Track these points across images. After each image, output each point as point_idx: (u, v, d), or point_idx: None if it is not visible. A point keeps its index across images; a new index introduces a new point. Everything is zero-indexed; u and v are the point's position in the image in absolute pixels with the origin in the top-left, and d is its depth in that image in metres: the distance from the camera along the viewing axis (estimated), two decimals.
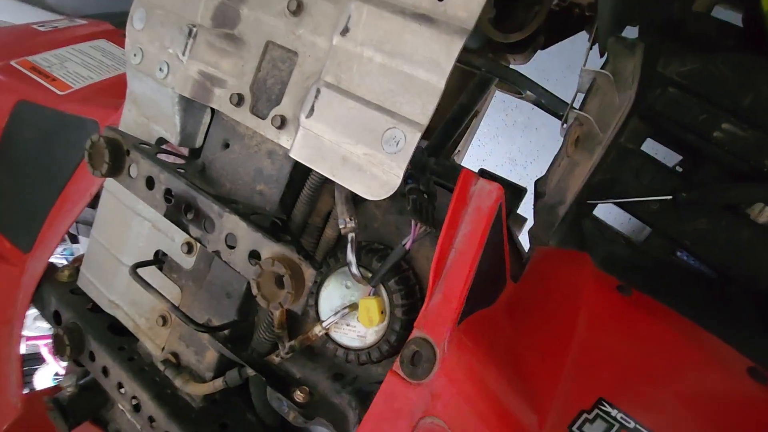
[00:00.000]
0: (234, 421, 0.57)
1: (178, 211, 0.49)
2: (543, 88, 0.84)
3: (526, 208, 0.96)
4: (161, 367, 0.57)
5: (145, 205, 0.60)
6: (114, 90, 0.75)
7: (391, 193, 0.39)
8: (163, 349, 0.59)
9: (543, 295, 0.54)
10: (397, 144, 0.38)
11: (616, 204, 0.76)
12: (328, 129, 0.42)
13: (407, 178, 0.52)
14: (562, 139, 0.63)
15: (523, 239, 0.79)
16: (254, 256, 0.44)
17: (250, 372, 0.54)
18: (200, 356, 0.57)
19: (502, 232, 0.47)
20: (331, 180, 0.53)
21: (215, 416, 0.57)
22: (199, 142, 0.57)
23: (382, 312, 0.47)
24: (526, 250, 0.69)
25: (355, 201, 0.50)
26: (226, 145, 0.54)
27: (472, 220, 0.43)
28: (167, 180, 0.50)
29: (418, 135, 0.38)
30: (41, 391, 0.67)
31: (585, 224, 0.73)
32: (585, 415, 0.39)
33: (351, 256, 0.47)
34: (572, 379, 0.42)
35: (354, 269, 0.47)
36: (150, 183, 0.51)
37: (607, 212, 0.86)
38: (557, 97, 0.84)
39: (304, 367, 0.55)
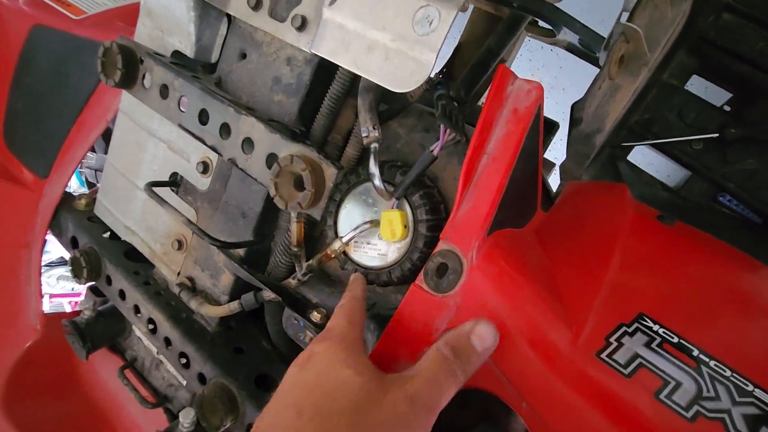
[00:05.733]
0: (249, 346, 0.56)
1: (193, 118, 0.47)
2: (581, 23, 0.78)
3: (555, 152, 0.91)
4: (176, 291, 0.56)
5: (161, 125, 0.58)
6: (129, 16, 0.73)
7: (421, 82, 0.36)
8: (178, 274, 0.58)
9: (577, 223, 0.50)
10: (431, 24, 0.34)
11: (655, 146, 0.71)
12: (352, 15, 0.38)
13: (437, 84, 0.48)
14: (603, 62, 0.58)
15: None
16: (272, 159, 0.42)
17: (266, 295, 0.53)
18: (216, 280, 0.56)
19: (538, 140, 0.44)
20: (353, 94, 0.50)
21: (230, 340, 0.56)
22: (215, 57, 0.54)
23: (405, 226, 0.44)
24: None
25: (379, 114, 0.47)
26: (243, 56, 0.51)
27: (508, 122, 0.40)
28: (182, 87, 0.47)
29: (455, 12, 0.34)
30: (60, 314, 0.67)
31: (620, 166, 0.68)
32: (624, 328, 0.36)
33: (374, 168, 0.44)
34: (610, 296, 0.38)
35: (377, 181, 0.44)
36: (164, 91, 0.49)
37: (640, 161, 0.81)
38: (596, 33, 0.78)
39: (321, 292, 0.53)
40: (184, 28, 0.53)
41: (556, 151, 0.95)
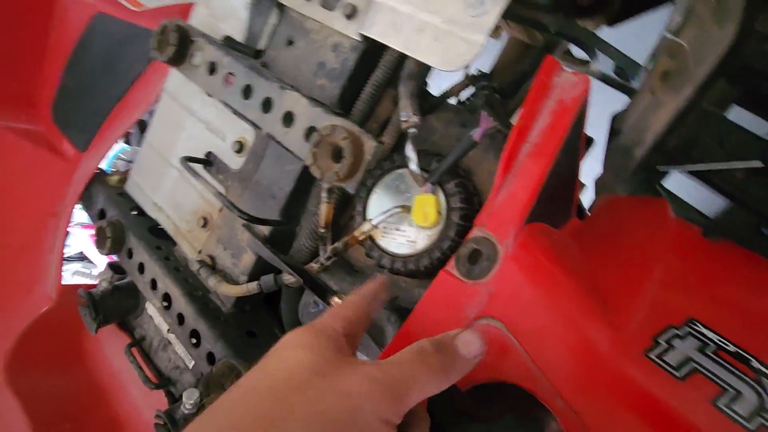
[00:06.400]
0: (261, 332, 0.54)
1: (237, 94, 0.48)
2: (616, 49, 0.79)
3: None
4: (196, 267, 0.56)
5: (202, 106, 0.60)
6: (185, 14, 0.77)
7: (469, 61, 0.36)
8: (200, 252, 0.58)
9: (616, 231, 0.48)
10: (483, 4, 0.35)
11: (694, 173, 0.69)
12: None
13: (480, 76, 0.48)
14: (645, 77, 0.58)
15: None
16: (311, 133, 0.42)
17: (286, 279, 0.51)
18: (236, 259, 0.55)
19: (580, 136, 0.43)
20: (393, 86, 0.51)
21: (243, 324, 0.54)
22: (263, 44, 0.56)
23: (438, 213, 0.43)
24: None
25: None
26: (290, 43, 0.53)
27: (553, 113, 0.39)
28: (229, 64, 0.49)
29: None
30: (77, 285, 0.67)
31: (658, 187, 0.66)
32: (674, 330, 0.33)
33: (411, 152, 0.44)
34: (656, 299, 0.36)
35: (413, 165, 0.44)
36: (212, 68, 0.51)
37: (677, 192, 0.79)
38: (632, 59, 0.78)
39: (342, 280, 0.51)
40: (237, 15, 0.56)
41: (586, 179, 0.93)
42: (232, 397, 0.26)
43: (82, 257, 2.33)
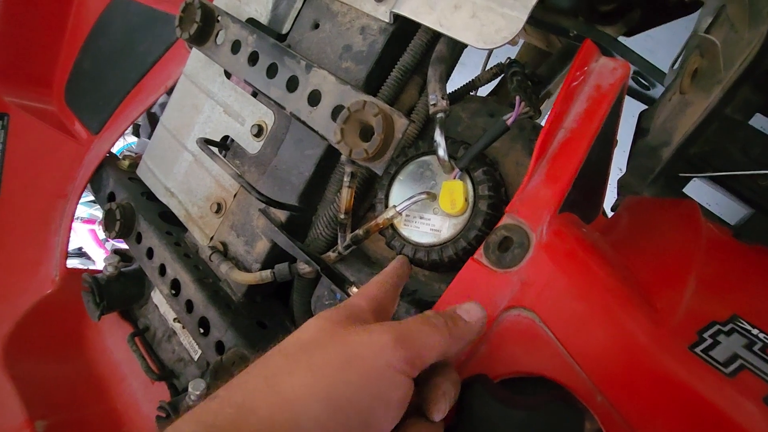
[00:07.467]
0: (272, 323, 0.52)
1: (261, 72, 0.47)
2: (638, 54, 0.78)
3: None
4: (208, 252, 0.54)
5: (221, 88, 0.59)
6: None
7: (509, 39, 0.35)
8: (212, 238, 0.56)
9: (646, 230, 0.47)
10: None
11: (716, 181, 0.68)
12: None
13: (511, 62, 0.47)
14: (672, 77, 0.57)
15: None
16: (338, 111, 0.41)
17: (301, 268, 0.49)
18: (250, 246, 0.53)
19: (616, 125, 0.41)
20: (419, 73, 0.50)
21: (254, 313, 0.52)
22: (287, 27, 0.55)
23: (466, 200, 0.42)
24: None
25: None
26: (316, 26, 0.52)
27: (590, 98, 0.38)
28: (255, 42, 0.48)
29: None
30: (81, 269, 0.65)
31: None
32: (718, 326, 0.31)
33: (439, 138, 0.42)
34: (697, 295, 0.34)
35: (441, 151, 0.42)
36: (236, 47, 0.50)
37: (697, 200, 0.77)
38: (653, 65, 0.77)
39: (359, 272, 0.49)
40: None
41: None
42: (248, 368, 0.27)
43: (80, 253, 2.29)
